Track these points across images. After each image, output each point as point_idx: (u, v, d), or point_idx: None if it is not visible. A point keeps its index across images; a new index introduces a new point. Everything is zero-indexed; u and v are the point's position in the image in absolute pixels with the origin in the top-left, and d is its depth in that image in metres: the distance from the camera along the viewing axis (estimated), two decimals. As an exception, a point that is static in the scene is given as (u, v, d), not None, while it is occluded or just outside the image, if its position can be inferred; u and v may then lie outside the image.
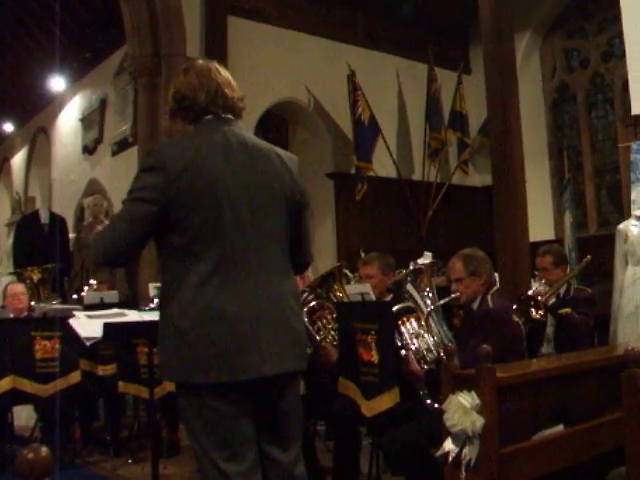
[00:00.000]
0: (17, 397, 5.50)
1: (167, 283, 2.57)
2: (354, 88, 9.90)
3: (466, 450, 2.57)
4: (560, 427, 2.86)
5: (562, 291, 5.39)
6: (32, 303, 6.62)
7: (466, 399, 2.56)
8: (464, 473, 2.57)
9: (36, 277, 7.50)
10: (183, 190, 2.45)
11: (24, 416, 6.47)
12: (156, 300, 6.63)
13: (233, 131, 2.64)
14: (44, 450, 1.24)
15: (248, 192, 2.55)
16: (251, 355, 2.47)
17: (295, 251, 2.76)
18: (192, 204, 2.46)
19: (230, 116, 2.67)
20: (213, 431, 2.49)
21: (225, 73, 2.71)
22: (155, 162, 2.51)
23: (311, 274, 7.29)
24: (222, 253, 2.49)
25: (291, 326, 2.60)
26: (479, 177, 11.65)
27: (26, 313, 6.36)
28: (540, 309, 5.13)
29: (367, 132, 9.91)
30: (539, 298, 5.18)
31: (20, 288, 6.59)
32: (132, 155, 9.97)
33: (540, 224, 9.96)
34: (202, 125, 2.64)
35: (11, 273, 8.67)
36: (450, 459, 2.60)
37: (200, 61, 2.79)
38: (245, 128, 2.75)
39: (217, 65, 2.73)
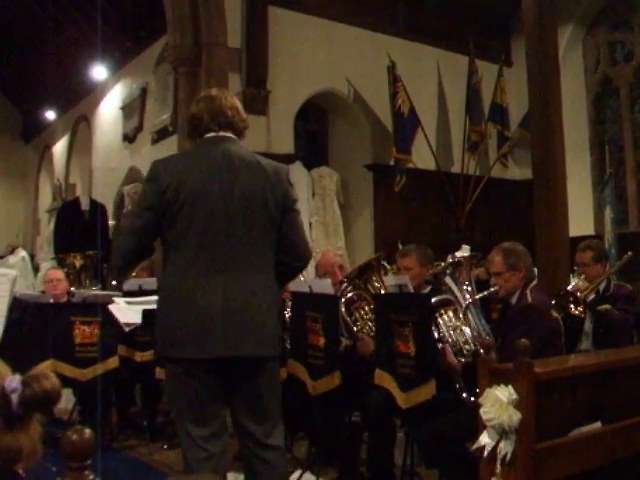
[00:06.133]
0: (56, 381, 5.57)
1: (161, 273, 3.24)
2: (394, 79, 9.87)
3: (502, 445, 2.55)
4: (597, 424, 2.83)
5: (602, 287, 5.33)
6: (72, 289, 6.70)
7: (503, 393, 2.55)
8: (499, 468, 2.55)
9: (78, 263, 7.57)
10: (170, 198, 3.02)
11: (63, 399, 6.55)
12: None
13: (225, 147, 3.16)
14: (87, 432, 1.27)
15: (226, 201, 3.06)
16: (213, 339, 2.99)
17: (286, 250, 3.24)
18: (177, 210, 3.02)
19: (229, 134, 3.22)
20: (183, 398, 3.05)
21: (232, 98, 3.30)
22: (152, 175, 3.13)
23: (348, 265, 7.31)
24: (201, 251, 3.03)
25: (257, 317, 3.08)
26: (519, 171, 11.54)
27: (65, 298, 6.44)
28: (579, 305, 5.08)
29: (407, 124, 9.87)
30: (578, 294, 5.13)
31: (58, 274, 6.67)
32: (172, 144, 10.02)
33: (580, 219, 9.84)
34: (200, 142, 3.23)
35: (53, 258, 8.76)
36: (486, 453, 2.59)
37: (213, 89, 3.42)
38: (239, 144, 3.27)
39: (226, 92, 3.37)
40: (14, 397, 1.40)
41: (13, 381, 1.41)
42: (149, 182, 3.13)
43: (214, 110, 3.19)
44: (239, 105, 3.30)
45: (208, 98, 3.26)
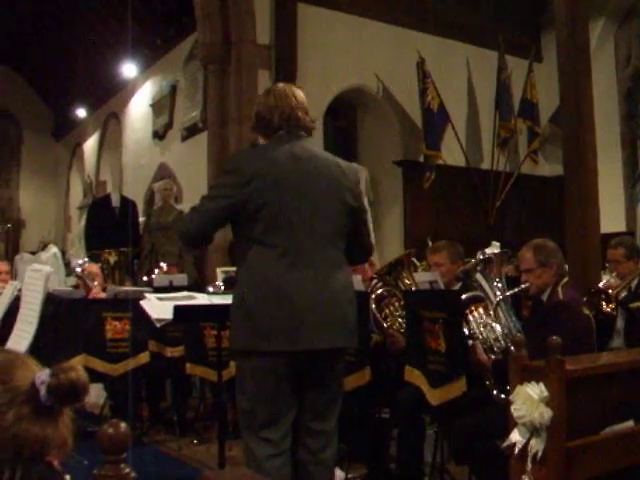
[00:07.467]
0: (88, 375, 5.63)
1: (241, 267, 3.12)
2: (424, 76, 9.83)
3: (533, 442, 2.54)
4: (630, 423, 2.81)
5: (634, 284, 5.27)
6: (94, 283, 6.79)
7: (534, 390, 2.53)
8: (530, 465, 2.54)
9: (112, 259, 7.65)
10: (254, 190, 3.00)
11: (94, 394, 6.63)
12: (219, 283, 6.73)
13: (301, 144, 3.16)
14: (123, 425, 1.28)
15: (309, 196, 3.07)
16: (305, 330, 2.99)
17: (354, 247, 3.28)
18: (261, 203, 3.00)
19: (301, 132, 3.19)
20: (262, 395, 3.02)
21: (301, 96, 3.24)
22: (233, 166, 3.13)
23: (378, 261, 7.30)
24: (287, 245, 3.02)
25: (342, 309, 3.10)
26: (549, 167, 11.47)
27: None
28: (611, 302, 5.03)
29: (436, 120, 9.83)
30: (610, 291, 5.08)
31: (95, 268, 6.78)
32: (201, 140, 10.09)
33: (611, 216, 9.74)
34: (275, 139, 3.17)
35: (87, 255, 8.85)
36: (516, 451, 2.58)
37: (280, 84, 3.34)
38: (313, 143, 3.29)
39: (295, 88, 3.28)
40: (42, 388, 1.44)
41: (43, 374, 1.45)
42: (230, 173, 3.11)
43: (285, 111, 3.17)
44: (306, 103, 3.27)
45: (277, 95, 3.21)
